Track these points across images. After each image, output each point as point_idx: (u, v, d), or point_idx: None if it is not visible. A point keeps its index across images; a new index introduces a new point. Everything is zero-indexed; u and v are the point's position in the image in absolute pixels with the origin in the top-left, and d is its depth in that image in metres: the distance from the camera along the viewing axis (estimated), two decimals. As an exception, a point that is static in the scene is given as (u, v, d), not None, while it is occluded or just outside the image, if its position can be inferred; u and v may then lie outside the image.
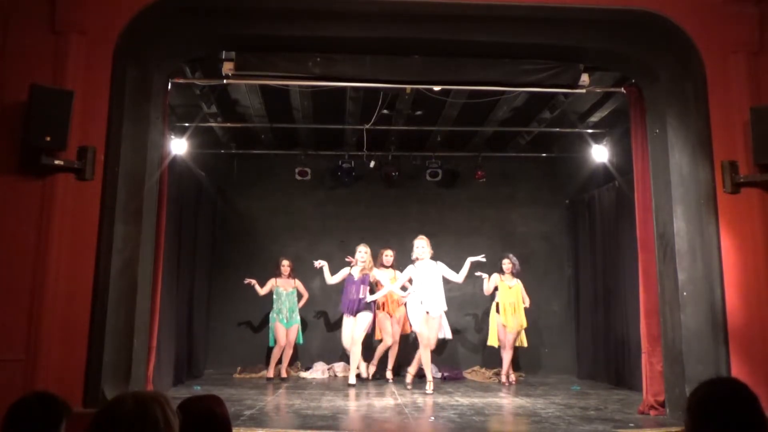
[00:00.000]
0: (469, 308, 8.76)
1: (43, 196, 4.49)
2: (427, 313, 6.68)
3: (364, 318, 7.30)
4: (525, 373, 8.28)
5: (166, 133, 5.50)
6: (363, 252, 7.43)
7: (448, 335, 7.33)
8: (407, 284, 7.21)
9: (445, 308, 6.89)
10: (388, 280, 7.66)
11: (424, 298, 6.70)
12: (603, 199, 8.13)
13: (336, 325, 7.62)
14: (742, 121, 4.85)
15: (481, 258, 7.07)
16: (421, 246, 6.85)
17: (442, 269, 6.86)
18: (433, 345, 6.85)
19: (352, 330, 7.29)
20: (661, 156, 5.25)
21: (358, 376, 7.57)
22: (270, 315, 7.95)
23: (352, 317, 7.34)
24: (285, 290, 7.96)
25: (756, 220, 4.82)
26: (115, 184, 4.73)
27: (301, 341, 8.08)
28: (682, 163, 5.11)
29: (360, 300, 7.27)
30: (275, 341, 7.86)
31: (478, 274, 7.40)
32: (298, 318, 7.99)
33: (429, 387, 6.71)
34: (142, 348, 4.81)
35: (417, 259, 6.84)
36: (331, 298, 8.32)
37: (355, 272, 7.42)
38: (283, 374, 7.85)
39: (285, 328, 7.83)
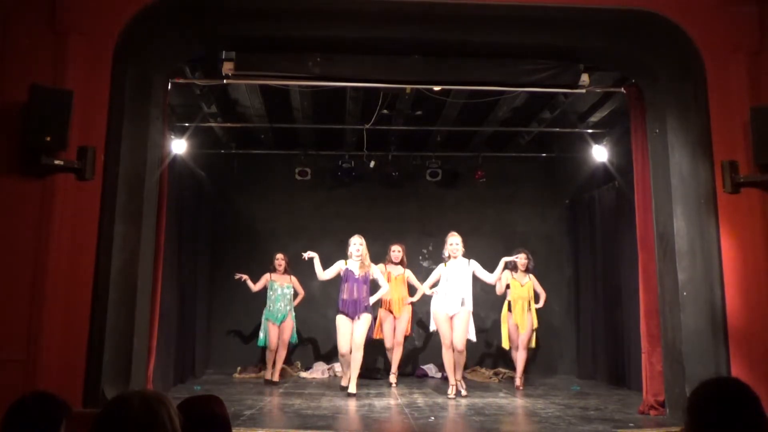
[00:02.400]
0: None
1: (43, 196, 4.48)
2: (451, 315, 6.42)
3: (365, 321, 6.54)
4: (525, 373, 8.25)
5: (166, 133, 5.51)
6: (358, 244, 6.63)
7: (473, 337, 6.72)
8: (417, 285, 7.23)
9: (470, 308, 6.52)
10: (396, 277, 7.44)
11: (447, 297, 6.47)
12: (603, 199, 8.14)
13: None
14: (742, 121, 4.84)
15: (515, 258, 7.12)
16: (456, 243, 6.59)
17: (474, 267, 6.61)
18: (460, 346, 6.45)
19: (352, 333, 6.51)
20: (661, 156, 5.25)
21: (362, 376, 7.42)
22: (264, 312, 7.58)
23: (349, 319, 6.53)
24: (280, 285, 7.61)
25: (756, 220, 4.82)
26: (115, 184, 4.72)
27: (295, 340, 7.70)
28: (682, 163, 5.10)
29: (362, 301, 6.55)
30: (266, 341, 7.45)
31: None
32: (293, 315, 7.60)
33: (451, 391, 6.40)
34: (142, 348, 4.81)
35: (450, 256, 6.61)
36: (331, 298, 8.30)
37: (355, 268, 6.61)
38: (276, 377, 7.36)
39: (277, 327, 7.43)
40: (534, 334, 7.48)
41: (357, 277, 6.58)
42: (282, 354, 7.52)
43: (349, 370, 6.60)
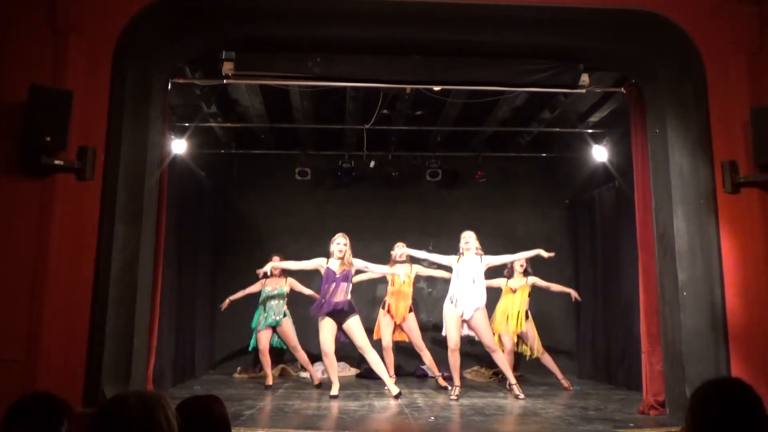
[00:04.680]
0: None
1: (43, 196, 4.48)
2: (463, 316, 6.29)
3: (356, 323, 6.29)
4: (525, 373, 8.24)
5: (166, 133, 5.50)
6: (342, 244, 6.37)
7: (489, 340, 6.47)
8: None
9: (478, 305, 6.32)
10: (402, 275, 7.15)
11: (459, 298, 6.33)
12: (603, 199, 8.14)
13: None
14: (742, 121, 4.84)
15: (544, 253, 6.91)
16: (466, 240, 6.47)
17: (487, 261, 6.44)
18: (492, 346, 6.37)
19: (332, 334, 6.28)
20: (661, 156, 5.25)
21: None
22: (256, 317, 7.38)
23: (331, 320, 6.27)
24: (272, 289, 7.36)
25: (756, 220, 4.82)
26: (115, 184, 4.72)
27: (282, 345, 7.45)
28: (682, 163, 5.10)
29: (343, 302, 6.27)
30: (256, 345, 7.27)
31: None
32: (285, 315, 7.30)
33: (454, 392, 6.27)
34: (142, 348, 4.81)
35: (462, 252, 6.48)
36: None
37: (335, 266, 6.33)
38: (316, 381, 7.16)
39: (266, 330, 7.22)
40: (537, 342, 7.30)
41: (337, 276, 6.31)
42: (301, 356, 7.32)
43: (336, 377, 6.41)
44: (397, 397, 6.21)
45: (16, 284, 4.36)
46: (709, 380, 1.82)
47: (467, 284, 6.37)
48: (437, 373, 7.33)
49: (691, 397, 1.80)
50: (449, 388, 6.67)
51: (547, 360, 7.34)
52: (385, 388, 6.41)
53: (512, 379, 6.52)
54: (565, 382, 7.18)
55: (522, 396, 6.30)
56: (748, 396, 1.75)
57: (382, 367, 6.43)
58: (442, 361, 7.86)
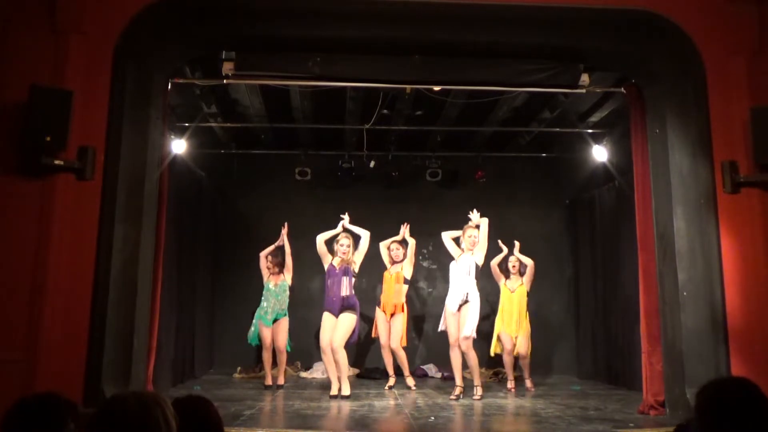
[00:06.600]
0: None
1: (43, 196, 4.49)
2: (456, 311, 6.38)
3: (347, 321, 6.33)
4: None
5: (166, 133, 5.51)
6: (345, 245, 6.58)
7: (470, 333, 6.31)
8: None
9: (477, 302, 6.37)
10: (394, 275, 7.22)
11: (452, 294, 6.45)
12: (603, 199, 8.14)
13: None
14: (742, 121, 4.85)
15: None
16: (469, 237, 6.54)
17: (476, 255, 6.49)
18: (461, 338, 6.29)
19: (331, 331, 6.32)
20: (661, 156, 5.25)
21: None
22: (257, 311, 7.32)
23: (332, 316, 6.38)
24: (274, 284, 7.33)
25: (756, 220, 4.83)
26: (115, 184, 4.73)
27: (288, 349, 7.38)
28: (682, 163, 5.11)
29: (344, 298, 6.39)
30: (257, 339, 7.25)
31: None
32: (284, 312, 7.25)
33: (455, 392, 6.31)
34: (142, 348, 4.82)
35: (463, 249, 6.55)
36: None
37: (336, 263, 6.57)
38: (280, 381, 7.23)
39: (268, 328, 7.14)
40: (529, 341, 7.33)
41: (337, 271, 6.49)
42: (281, 358, 7.30)
43: (335, 377, 6.39)
44: (342, 395, 6.26)
45: (16, 284, 4.37)
46: (715, 380, 1.82)
47: (459, 281, 6.45)
48: (406, 373, 7.30)
49: (696, 396, 1.80)
50: (412, 388, 6.96)
51: (525, 363, 7.32)
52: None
53: (458, 380, 6.49)
54: (528, 383, 7.25)
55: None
56: (754, 395, 1.75)
57: (343, 367, 6.37)
58: (442, 362, 7.88)
